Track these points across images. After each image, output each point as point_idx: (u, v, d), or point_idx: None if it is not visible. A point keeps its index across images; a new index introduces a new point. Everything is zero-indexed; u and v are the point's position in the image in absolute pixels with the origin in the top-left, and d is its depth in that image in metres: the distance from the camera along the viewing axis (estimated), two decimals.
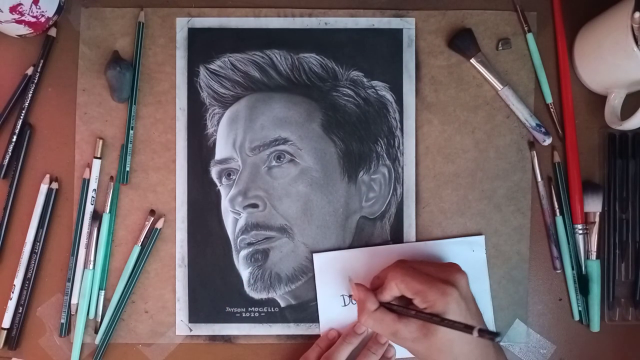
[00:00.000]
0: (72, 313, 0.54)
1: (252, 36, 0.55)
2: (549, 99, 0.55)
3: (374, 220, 0.55)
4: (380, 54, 0.55)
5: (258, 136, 0.54)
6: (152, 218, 0.54)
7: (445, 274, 0.47)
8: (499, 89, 0.54)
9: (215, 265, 0.55)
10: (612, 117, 0.52)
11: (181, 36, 0.55)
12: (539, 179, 0.55)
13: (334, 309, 0.54)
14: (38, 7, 0.50)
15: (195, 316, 0.55)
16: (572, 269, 0.55)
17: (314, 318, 0.55)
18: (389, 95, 0.55)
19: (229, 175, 0.55)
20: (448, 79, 0.55)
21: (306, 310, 0.55)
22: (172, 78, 0.55)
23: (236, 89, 0.55)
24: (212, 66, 0.55)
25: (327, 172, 0.55)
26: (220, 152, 0.55)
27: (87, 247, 0.54)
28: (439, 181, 0.55)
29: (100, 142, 0.54)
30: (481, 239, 0.55)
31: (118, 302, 0.54)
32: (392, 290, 0.48)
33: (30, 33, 0.53)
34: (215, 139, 0.55)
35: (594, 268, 0.54)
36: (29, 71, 0.54)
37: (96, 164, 0.54)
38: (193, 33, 0.55)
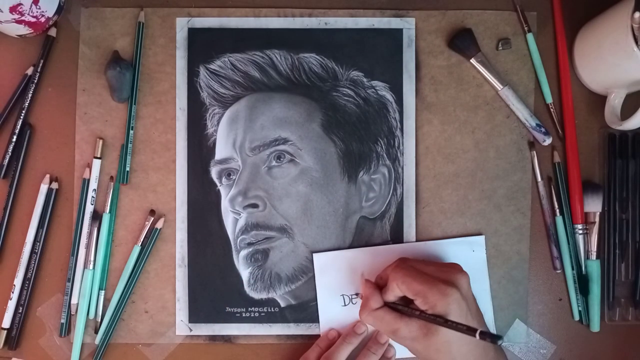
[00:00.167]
0: (72, 313, 0.54)
1: (252, 36, 0.55)
2: (549, 99, 0.55)
3: (374, 220, 0.55)
4: (380, 54, 0.55)
5: (258, 136, 0.54)
6: (152, 218, 0.54)
7: (446, 274, 0.47)
8: (499, 89, 0.54)
9: (215, 265, 0.55)
10: (612, 117, 0.52)
11: (181, 36, 0.55)
12: (539, 179, 0.55)
13: (334, 309, 0.54)
14: (38, 7, 0.50)
15: (195, 316, 0.55)
16: (572, 269, 0.55)
17: (314, 318, 0.55)
18: (389, 95, 0.55)
19: (229, 175, 0.55)
20: (448, 79, 0.55)
21: (306, 310, 0.55)
22: (172, 78, 0.55)
23: (236, 89, 0.55)
24: (212, 66, 0.55)
25: (327, 172, 0.55)
26: (220, 152, 0.55)
27: (87, 247, 0.54)
28: (439, 181, 0.55)
29: (100, 142, 0.54)
30: (481, 239, 0.55)
31: (118, 302, 0.54)
32: (394, 291, 0.48)
33: (30, 33, 0.53)
34: (215, 139, 0.55)
35: (594, 268, 0.54)
36: (29, 71, 0.54)
37: (96, 164, 0.54)
38: (193, 33, 0.55)
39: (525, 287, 0.55)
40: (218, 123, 0.55)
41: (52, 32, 0.54)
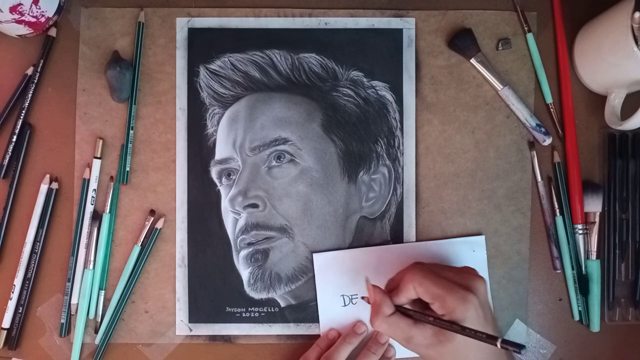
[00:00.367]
0: (72, 313, 0.54)
1: (252, 36, 0.55)
2: (549, 99, 0.55)
3: (374, 220, 0.55)
4: (380, 54, 0.55)
5: (258, 136, 0.54)
6: (152, 218, 0.54)
7: (464, 279, 0.45)
8: (499, 89, 0.54)
9: (215, 265, 0.55)
10: (612, 117, 0.52)
11: (181, 36, 0.55)
12: (539, 179, 0.55)
13: (334, 309, 0.54)
14: (38, 7, 0.50)
15: (195, 316, 0.55)
16: (572, 269, 0.55)
17: (314, 318, 0.55)
18: (389, 95, 0.55)
19: (229, 175, 0.55)
20: (448, 79, 0.55)
21: (306, 310, 0.55)
22: (172, 78, 0.55)
23: (236, 89, 0.55)
24: (212, 66, 0.55)
25: (327, 172, 0.55)
26: (220, 152, 0.55)
27: (87, 247, 0.54)
28: (439, 181, 0.55)
29: (100, 142, 0.54)
30: (481, 239, 0.55)
31: (118, 302, 0.54)
32: (409, 293, 0.45)
33: (30, 33, 0.53)
34: (215, 139, 0.55)
35: (594, 268, 0.54)
36: (29, 71, 0.54)
37: (96, 164, 0.54)
38: (193, 33, 0.55)
39: (525, 287, 0.55)
40: (218, 123, 0.55)
41: (52, 32, 0.54)
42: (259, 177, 0.54)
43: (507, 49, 0.55)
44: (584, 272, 0.55)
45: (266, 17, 0.55)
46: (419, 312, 0.46)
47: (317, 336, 0.55)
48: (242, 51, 0.55)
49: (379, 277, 0.53)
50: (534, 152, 0.55)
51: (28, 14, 0.50)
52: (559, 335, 0.55)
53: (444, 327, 0.43)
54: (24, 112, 0.54)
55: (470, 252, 0.55)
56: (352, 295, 0.54)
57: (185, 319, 0.55)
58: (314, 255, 0.54)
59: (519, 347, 0.39)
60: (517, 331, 0.55)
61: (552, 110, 0.55)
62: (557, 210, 0.55)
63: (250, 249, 0.54)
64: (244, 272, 0.55)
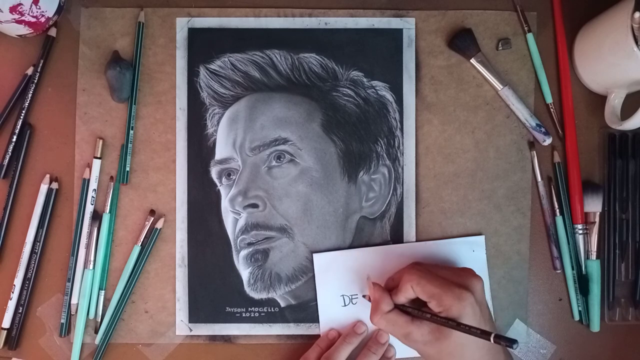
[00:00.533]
0: (72, 313, 0.54)
1: (252, 36, 0.55)
2: (549, 99, 0.55)
3: (374, 220, 0.55)
4: (380, 54, 0.55)
5: (258, 136, 0.54)
6: (152, 218, 0.54)
7: (461, 278, 0.46)
8: (499, 89, 0.54)
9: (215, 265, 0.55)
10: (612, 117, 0.52)
11: (181, 36, 0.55)
12: (539, 179, 0.55)
13: (334, 309, 0.54)
14: (38, 7, 0.50)
15: (195, 316, 0.55)
16: (572, 269, 0.55)
17: (314, 318, 0.55)
18: (389, 95, 0.55)
19: (229, 175, 0.55)
20: (448, 79, 0.55)
21: (306, 310, 0.55)
22: (172, 78, 0.55)
23: (236, 89, 0.55)
24: (212, 66, 0.55)
25: (327, 172, 0.55)
26: (220, 152, 0.55)
27: (87, 247, 0.54)
28: (439, 181, 0.55)
29: (100, 142, 0.54)
30: (481, 239, 0.55)
31: (118, 302, 0.54)
32: (407, 292, 0.47)
33: (30, 33, 0.53)
34: (215, 139, 0.55)
35: (594, 268, 0.54)
36: (29, 71, 0.54)
37: (96, 164, 0.54)
38: (193, 33, 0.55)
39: (525, 287, 0.55)
40: (218, 123, 0.55)
41: (52, 32, 0.54)
42: (259, 177, 0.54)
43: (507, 49, 0.55)
44: (584, 272, 0.55)
45: (266, 17, 0.55)
46: (417, 309, 0.47)
47: (317, 336, 0.55)
48: (242, 51, 0.55)
49: (379, 277, 0.53)
50: (534, 152, 0.55)
51: (28, 14, 0.50)
52: (559, 335, 0.55)
53: (441, 323, 0.45)
54: (24, 112, 0.54)
55: (470, 252, 0.55)
56: (352, 295, 0.54)
57: (185, 319, 0.55)
58: (314, 255, 0.54)
59: (512, 342, 0.40)
60: (517, 331, 0.55)
61: (552, 110, 0.55)
62: (557, 210, 0.55)
63: (250, 249, 0.54)
64: (244, 272, 0.55)
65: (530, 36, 0.55)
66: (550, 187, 0.55)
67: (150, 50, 0.55)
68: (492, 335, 0.41)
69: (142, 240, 0.54)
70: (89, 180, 0.54)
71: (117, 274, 0.55)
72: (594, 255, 0.55)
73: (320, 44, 0.55)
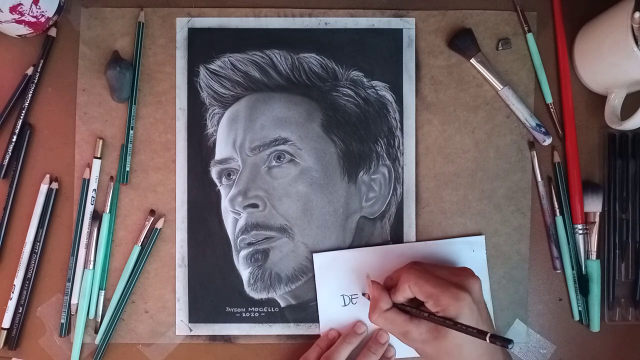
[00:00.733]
0: (72, 313, 0.54)
1: (252, 36, 0.55)
2: (549, 99, 0.55)
3: (374, 220, 0.55)
4: (380, 54, 0.55)
5: (258, 136, 0.54)
6: (152, 218, 0.54)
7: (458, 278, 0.46)
8: (499, 89, 0.54)
9: (215, 265, 0.55)
10: (612, 117, 0.52)
11: (181, 36, 0.55)
12: (539, 179, 0.55)
13: (334, 309, 0.54)
14: (38, 7, 0.50)
15: (195, 316, 0.55)
16: (572, 269, 0.55)
17: (314, 318, 0.55)
18: (389, 95, 0.55)
19: (229, 175, 0.55)
20: (448, 79, 0.55)
21: (306, 310, 0.55)
22: (172, 78, 0.55)
23: (236, 89, 0.55)
24: (212, 66, 0.55)
25: (327, 172, 0.55)
26: (220, 152, 0.55)
27: (87, 247, 0.54)
28: (439, 181, 0.55)
29: (100, 142, 0.54)
30: (481, 239, 0.55)
31: (118, 302, 0.54)
32: (405, 292, 0.47)
33: (30, 33, 0.53)
34: (215, 139, 0.55)
35: (594, 268, 0.54)
36: (29, 71, 0.54)
37: (96, 164, 0.54)
38: (193, 33, 0.55)
39: (525, 287, 0.55)
40: (218, 123, 0.55)
41: (52, 32, 0.54)
42: (259, 177, 0.54)
43: (507, 49, 0.55)
44: (584, 272, 0.55)
45: (266, 17, 0.55)
46: (415, 308, 0.47)
47: (317, 336, 0.55)
48: (242, 51, 0.55)
49: (379, 277, 0.53)
50: (534, 152, 0.55)
51: (28, 14, 0.50)
52: (559, 335, 0.55)
53: (438, 322, 0.45)
54: (24, 112, 0.54)
55: (470, 252, 0.55)
56: (352, 295, 0.54)
57: (185, 319, 0.55)
58: (314, 255, 0.54)
59: (507, 341, 0.40)
60: (517, 331, 0.55)
61: (552, 110, 0.55)
62: (557, 210, 0.55)
63: (250, 249, 0.54)
64: (244, 272, 0.55)
65: (530, 36, 0.55)
66: (550, 187, 0.55)
67: (150, 50, 0.55)
68: (488, 335, 0.41)
69: (142, 240, 0.54)
70: (89, 180, 0.54)
71: (117, 274, 0.55)
72: (594, 255, 0.55)
73: (320, 44, 0.55)
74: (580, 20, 0.54)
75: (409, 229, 0.55)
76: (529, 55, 0.55)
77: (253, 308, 0.55)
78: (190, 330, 0.55)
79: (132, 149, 0.55)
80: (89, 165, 0.54)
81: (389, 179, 0.55)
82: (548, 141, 0.54)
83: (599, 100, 0.54)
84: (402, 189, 0.55)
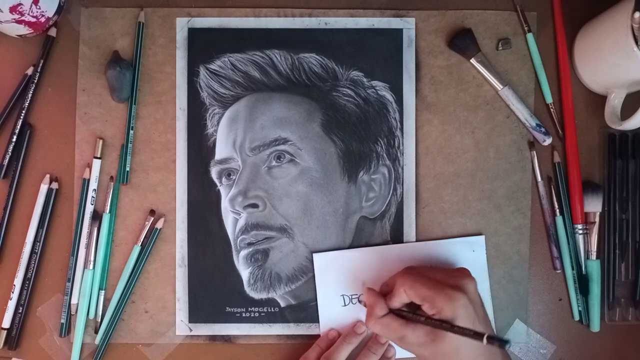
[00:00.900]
0: (72, 313, 0.54)
1: (252, 36, 0.55)
2: (549, 99, 0.55)
3: (374, 220, 0.55)
4: (380, 54, 0.55)
5: (258, 136, 0.54)
6: (152, 218, 0.54)
7: (454, 279, 0.46)
8: (499, 89, 0.54)
9: (215, 265, 0.55)
10: (612, 117, 0.52)
11: (181, 36, 0.55)
12: (539, 179, 0.55)
13: (334, 309, 0.54)
14: (38, 7, 0.50)
15: (195, 316, 0.55)
16: (572, 269, 0.55)
17: (314, 318, 0.55)
18: (389, 95, 0.55)
19: (229, 175, 0.55)
20: (448, 79, 0.55)
21: (306, 310, 0.55)
22: (172, 78, 0.55)
23: (236, 89, 0.55)
24: (212, 66, 0.55)
25: (327, 172, 0.55)
26: (220, 152, 0.55)
27: (87, 247, 0.54)
28: (439, 181, 0.55)
29: (100, 142, 0.54)
30: (481, 239, 0.55)
31: (118, 302, 0.54)
32: (401, 297, 0.47)
33: (30, 33, 0.53)
34: (215, 139, 0.55)
35: (594, 268, 0.54)
36: (29, 71, 0.54)
37: (96, 164, 0.54)
38: (193, 33, 0.55)
39: (525, 287, 0.55)
40: (218, 123, 0.55)
41: (52, 32, 0.54)
42: (259, 177, 0.54)
43: (507, 49, 0.55)
44: (584, 272, 0.55)
45: (266, 17, 0.55)
46: (411, 313, 0.47)
47: (317, 336, 0.55)
48: (242, 51, 0.55)
49: (379, 277, 0.53)
50: (534, 152, 0.55)
51: (28, 14, 0.50)
52: (559, 335, 0.55)
53: (435, 325, 0.45)
54: (24, 112, 0.54)
55: (470, 252, 0.55)
56: (352, 295, 0.54)
57: (185, 319, 0.55)
58: (314, 255, 0.54)
59: (504, 342, 0.40)
60: (517, 331, 0.55)
61: (552, 110, 0.55)
62: (557, 210, 0.55)
63: (250, 249, 0.54)
64: (244, 272, 0.55)
65: (530, 36, 0.55)
66: (550, 187, 0.55)
67: (150, 50, 0.55)
68: (485, 336, 0.41)
69: (142, 240, 0.54)
70: (89, 180, 0.54)
71: (117, 274, 0.55)
72: (594, 255, 0.55)
73: (320, 44, 0.55)
74: (580, 20, 0.54)
75: (409, 229, 0.55)
76: (529, 55, 0.55)
77: (253, 308, 0.55)
78: (190, 330, 0.55)
79: (132, 149, 0.55)
80: (89, 165, 0.54)
81: (389, 179, 0.55)
82: (548, 141, 0.54)
83: (599, 100, 0.54)
84: (402, 189, 0.55)
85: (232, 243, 0.55)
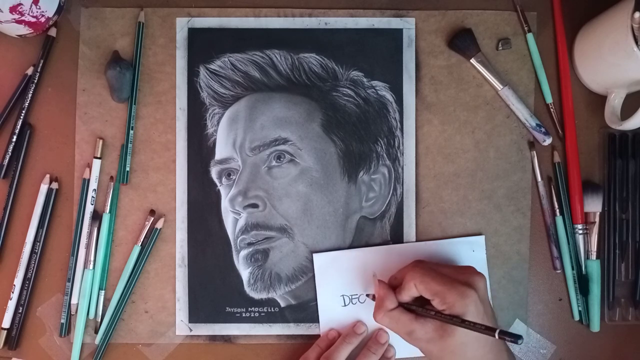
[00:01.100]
0: (72, 313, 0.54)
1: (252, 36, 0.55)
2: (549, 99, 0.55)
3: (374, 220, 0.55)
4: (380, 54, 0.55)
5: (258, 136, 0.54)
6: (152, 218, 0.54)
7: (464, 276, 0.46)
8: (499, 89, 0.54)
9: (215, 265, 0.55)
10: (612, 117, 0.52)
11: (181, 36, 0.55)
12: (539, 179, 0.55)
13: (334, 309, 0.54)
14: (38, 7, 0.50)
15: (195, 316, 0.55)
16: (572, 269, 0.55)
17: (314, 318, 0.55)
18: (389, 95, 0.55)
19: (229, 175, 0.55)
20: (448, 79, 0.55)
21: (306, 310, 0.55)
22: (172, 78, 0.55)
23: (236, 89, 0.55)
24: (212, 66, 0.55)
25: (327, 172, 0.55)
26: (220, 152, 0.55)
27: (87, 247, 0.54)
28: (439, 181, 0.55)
29: (100, 142, 0.54)
30: (481, 239, 0.55)
31: (118, 302, 0.54)
32: (411, 291, 0.47)
33: (30, 33, 0.53)
34: (215, 139, 0.55)
35: (594, 268, 0.54)
36: (29, 71, 0.54)
37: (96, 164, 0.54)
38: (193, 33, 0.55)
39: (525, 287, 0.55)
40: (218, 123, 0.55)
41: (52, 32, 0.54)
42: (259, 177, 0.54)
43: (507, 49, 0.55)
44: (584, 272, 0.55)
45: (266, 17, 0.55)
46: (421, 307, 0.47)
47: (317, 336, 0.55)
48: (242, 51, 0.55)
49: (380, 277, 0.53)
50: (534, 152, 0.55)
51: (28, 14, 0.50)
52: (559, 335, 0.55)
53: (445, 320, 0.45)
54: (24, 112, 0.54)
55: (470, 252, 0.55)
56: (352, 295, 0.54)
57: (185, 319, 0.55)
58: (314, 255, 0.54)
59: (517, 337, 0.40)
60: (517, 331, 0.55)
61: (552, 110, 0.55)
62: (557, 210, 0.55)
63: (250, 249, 0.54)
64: (244, 272, 0.55)
65: (530, 36, 0.55)
66: (550, 187, 0.55)
67: (150, 50, 0.55)
68: (497, 331, 0.41)
69: (142, 240, 0.54)
70: (89, 180, 0.54)
71: (117, 274, 0.55)
72: (594, 255, 0.55)
73: (320, 44, 0.55)
74: (580, 20, 0.54)
75: (409, 229, 0.55)
76: (529, 55, 0.55)
77: (253, 308, 0.55)
78: (190, 330, 0.55)
79: (132, 149, 0.55)
80: (89, 165, 0.54)
81: (389, 179, 0.55)
82: (548, 141, 0.54)
83: (599, 100, 0.54)
84: (402, 189, 0.55)
85: (232, 243, 0.55)
